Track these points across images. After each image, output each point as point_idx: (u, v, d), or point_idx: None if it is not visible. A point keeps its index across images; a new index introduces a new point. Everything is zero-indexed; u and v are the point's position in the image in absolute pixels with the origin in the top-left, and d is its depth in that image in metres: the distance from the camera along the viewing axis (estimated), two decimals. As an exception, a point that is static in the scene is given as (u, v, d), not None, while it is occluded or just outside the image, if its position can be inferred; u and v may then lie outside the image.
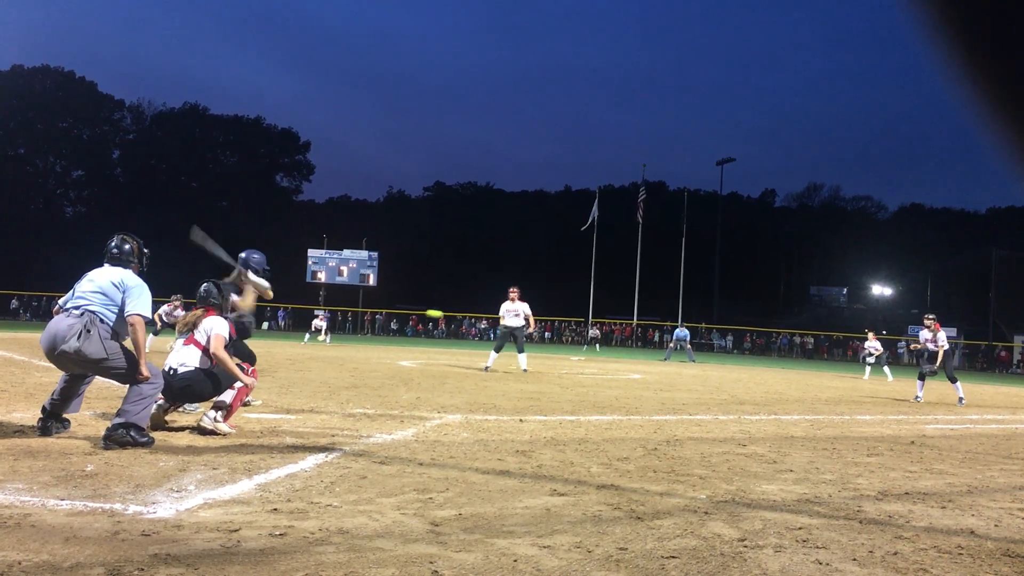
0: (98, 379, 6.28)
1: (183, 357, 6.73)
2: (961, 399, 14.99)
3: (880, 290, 77.28)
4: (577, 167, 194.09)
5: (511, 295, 17.65)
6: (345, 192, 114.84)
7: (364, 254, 63.77)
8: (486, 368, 16.85)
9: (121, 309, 5.97)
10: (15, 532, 3.37)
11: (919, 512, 4.74)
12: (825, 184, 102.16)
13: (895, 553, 3.74)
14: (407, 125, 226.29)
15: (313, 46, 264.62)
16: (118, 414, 5.70)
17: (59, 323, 5.83)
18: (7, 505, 3.81)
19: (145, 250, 6.44)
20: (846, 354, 57.98)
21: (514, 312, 17.49)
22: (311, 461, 5.36)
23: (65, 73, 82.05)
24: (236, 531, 3.55)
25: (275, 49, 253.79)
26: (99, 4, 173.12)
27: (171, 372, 6.62)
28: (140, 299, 6.02)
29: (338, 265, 63.34)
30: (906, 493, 5.36)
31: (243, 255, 8.58)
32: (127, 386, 5.90)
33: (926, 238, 76.51)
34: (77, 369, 5.95)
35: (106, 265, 6.16)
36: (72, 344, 5.70)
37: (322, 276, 62.90)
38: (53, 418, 6.02)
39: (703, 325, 61.61)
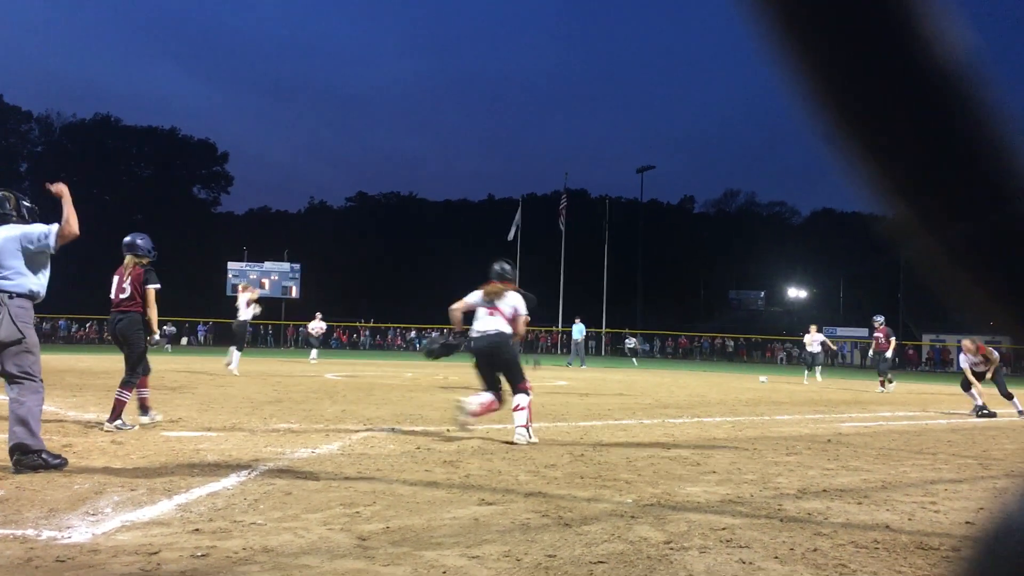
0: None
1: (491, 324, 7.70)
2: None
3: (796, 293, 79.40)
4: (500, 176, 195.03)
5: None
6: (265, 204, 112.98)
7: (286, 266, 62.88)
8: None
9: (31, 259, 5.71)
10: (-81, 564, 3.22)
11: (837, 508, 4.88)
12: (741, 191, 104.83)
13: (815, 550, 3.84)
14: (327, 135, 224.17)
15: (229, 56, 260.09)
16: (15, 440, 5.38)
17: None
18: (-90, 536, 3.64)
19: (24, 201, 6.18)
20: (764, 355, 59.42)
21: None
22: (234, 479, 5.25)
23: (-33, 83, 79.00)
24: (156, 553, 3.45)
25: (190, 59, 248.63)
26: (2, 13, 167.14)
27: (478, 335, 7.69)
28: (41, 229, 5.79)
29: (259, 277, 62.23)
30: (824, 490, 5.51)
31: (127, 239, 8.35)
32: (9, 403, 5.55)
33: (838, 242, 78.90)
34: None
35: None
36: (8, 333, 5.45)
37: (243, 289, 61.69)
38: None
39: (626, 330, 62.38)
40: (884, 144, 0.49)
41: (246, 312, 18.13)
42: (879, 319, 19.80)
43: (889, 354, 19.52)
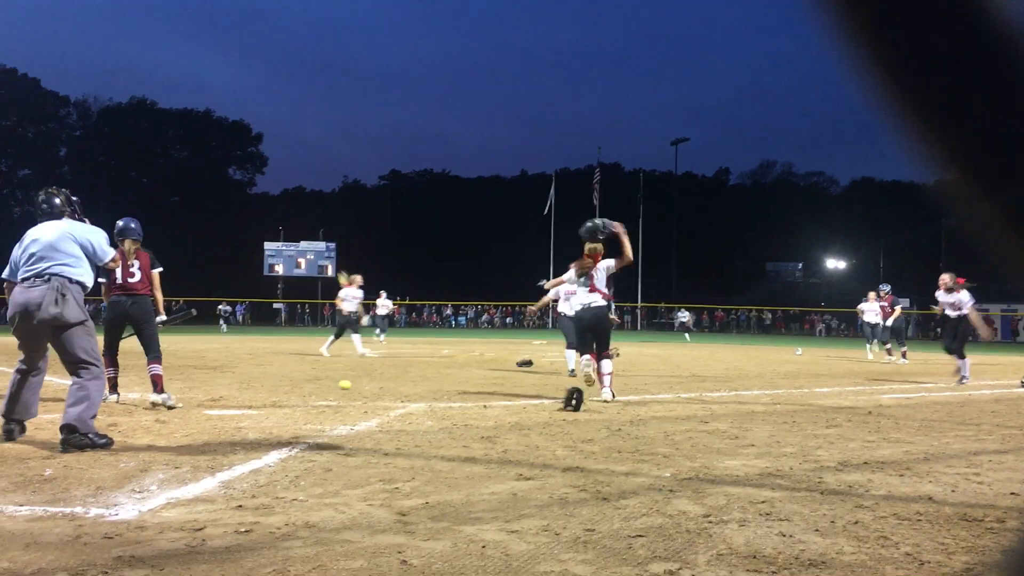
0: (48, 381, 6.19)
1: (591, 298, 8.93)
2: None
3: (834, 264, 78.46)
4: (533, 152, 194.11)
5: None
6: (300, 183, 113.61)
7: (321, 245, 63.36)
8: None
9: (89, 259, 6.10)
10: (-27, 541, 3.31)
11: (878, 481, 4.83)
12: (778, 161, 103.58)
13: (856, 522, 3.81)
14: (360, 114, 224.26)
15: (261, 36, 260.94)
16: (67, 423, 5.57)
17: (27, 293, 5.77)
18: (-36, 514, 3.74)
19: (74, 198, 6.47)
20: (803, 328, 58.89)
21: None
22: (275, 456, 5.32)
23: (7, 70, 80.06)
24: (200, 530, 3.51)
25: (222, 40, 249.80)
26: (39, 0, 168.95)
27: (582, 307, 9.00)
28: (104, 244, 6.28)
29: (295, 257, 62.86)
30: (865, 463, 5.46)
31: (122, 224, 8.51)
32: (71, 386, 5.81)
33: (878, 211, 77.73)
34: (47, 339, 5.90)
35: (45, 223, 6.13)
36: (52, 311, 5.71)
37: (279, 269, 62.41)
38: (13, 422, 5.90)
39: (662, 304, 62.08)
40: (938, 105, 0.48)
41: (351, 304, 17.62)
42: (885, 288, 19.51)
43: (890, 322, 19.21)
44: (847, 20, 0.47)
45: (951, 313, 12.99)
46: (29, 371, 6.03)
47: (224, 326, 43.15)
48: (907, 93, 0.48)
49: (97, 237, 6.25)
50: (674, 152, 64.41)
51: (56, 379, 8.56)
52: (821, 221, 79.67)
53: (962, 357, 12.67)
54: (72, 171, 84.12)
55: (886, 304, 19.26)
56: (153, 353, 8.15)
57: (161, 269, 8.51)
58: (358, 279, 17.87)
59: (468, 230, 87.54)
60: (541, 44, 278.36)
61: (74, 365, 5.84)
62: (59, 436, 5.54)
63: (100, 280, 8.21)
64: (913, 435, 6.87)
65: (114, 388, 8.48)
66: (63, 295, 5.78)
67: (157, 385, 7.96)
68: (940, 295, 13.06)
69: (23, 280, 5.87)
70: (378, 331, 26.48)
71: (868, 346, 20.69)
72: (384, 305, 27.05)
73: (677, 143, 64.02)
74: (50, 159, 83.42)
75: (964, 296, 12.86)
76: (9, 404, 5.95)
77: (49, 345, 6.02)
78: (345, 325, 17.70)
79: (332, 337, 17.85)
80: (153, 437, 6.08)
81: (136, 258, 8.30)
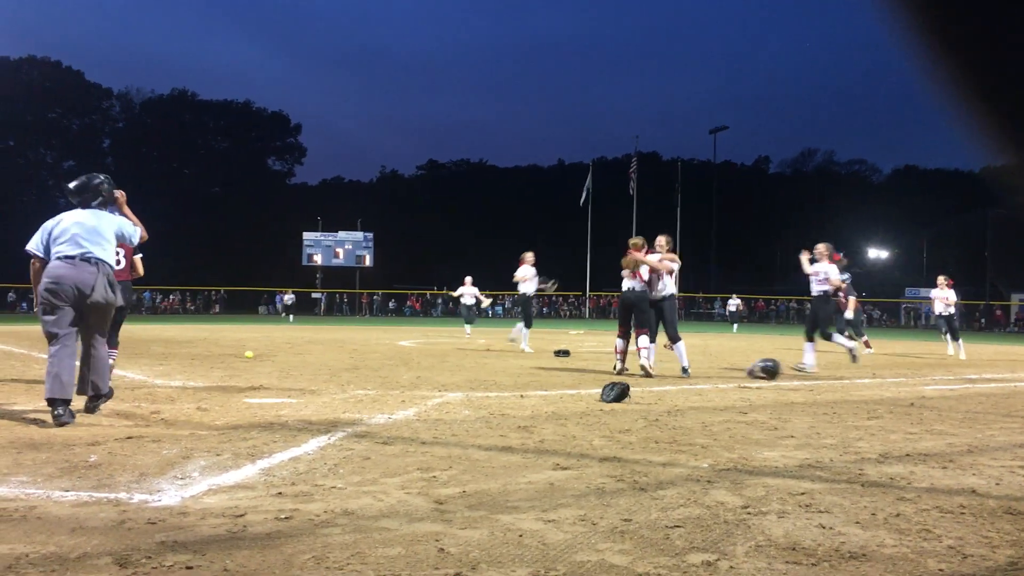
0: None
1: (631, 283, 11.09)
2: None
3: (876, 253, 77.34)
4: (569, 141, 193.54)
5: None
6: (338, 173, 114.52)
7: (359, 235, 63.74)
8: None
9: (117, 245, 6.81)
10: (21, 525, 3.38)
11: (920, 473, 4.76)
12: (819, 149, 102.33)
13: (898, 515, 3.76)
14: (397, 104, 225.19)
15: (299, 27, 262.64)
16: (95, 387, 6.44)
17: (79, 272, 6.25)
18: (12, 498, 3.82)
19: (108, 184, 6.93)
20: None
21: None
22: (314, 444, 5.37)
23: (52, 63, 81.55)
24: (242, 516, 3.56)
25: (261, 32, 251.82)
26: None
27: (627, 290, 11.19)
28: (129, 228, 6.88)
29: (334, 247, 63.30)
30: (907, 455, 5.38)
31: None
32: (92, 357, 6.48)
33: (921, 200, 76.50)
34: (90, 318, 6.41)
35: (91, 209, 6.60)
36: (106, 295, 6.37)
37: (318, 259, 62.91)
38: (65, 405, 6.10)
39: (701, 294, 61.65)
40: (1007, 90, 0.46)
41: (529, 284, 16.29)
42: (846, 277, 18.33)
43: (849, 314, 17.73)
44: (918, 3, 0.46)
45: (816, 289, 12.59)
46: (73, 343, 6.40)
47: (291, 317, 42.74)
48: (974, 76, 0.46)
49: (128, 227, 6.88)
50: (713, 140, 63.70)
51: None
52: (863, 210, 78.56)
53: (809, 340, 12.49)
54: (115, 162, 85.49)
55: (841, 295, 17.18)
56: (114, 337, 8.43)
57: (141, 255, 8.76)
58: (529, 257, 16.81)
59: (505, 220, 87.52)
60: (577, 33, 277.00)
61: (99, 336, 6.53)
62: (103, 422, 5.68)
63: None
64: (956, 427, 6.75)
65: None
66: (111, 283, 6.44)
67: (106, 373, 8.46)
68: (805, 263, 12.77)
69: (65, 257, 6.26)
70: (466, 327, 23.57)
71: (948, 341, 18.49)
72: (469, 294, 23.60)
73: (716, 131, 63.49)
74: (94, 150, 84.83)
75: (832, 271, 12.50)
76: (81, 383, 6.44)
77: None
78: (524, 308, 16.90)
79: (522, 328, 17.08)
80: (195, 425, 6.17)
81: (119, 246, 8.50)
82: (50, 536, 3.22)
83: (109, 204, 6.89)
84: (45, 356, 6.55)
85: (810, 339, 12.53)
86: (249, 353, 10.48)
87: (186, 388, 8.52)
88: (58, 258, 6.26)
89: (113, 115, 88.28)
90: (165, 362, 12.04)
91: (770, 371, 10.77)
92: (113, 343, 8.45)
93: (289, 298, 45.82)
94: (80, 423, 6.07)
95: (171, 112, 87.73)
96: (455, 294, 24.51)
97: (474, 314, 23.82)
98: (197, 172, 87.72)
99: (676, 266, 11.51)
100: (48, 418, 6.10)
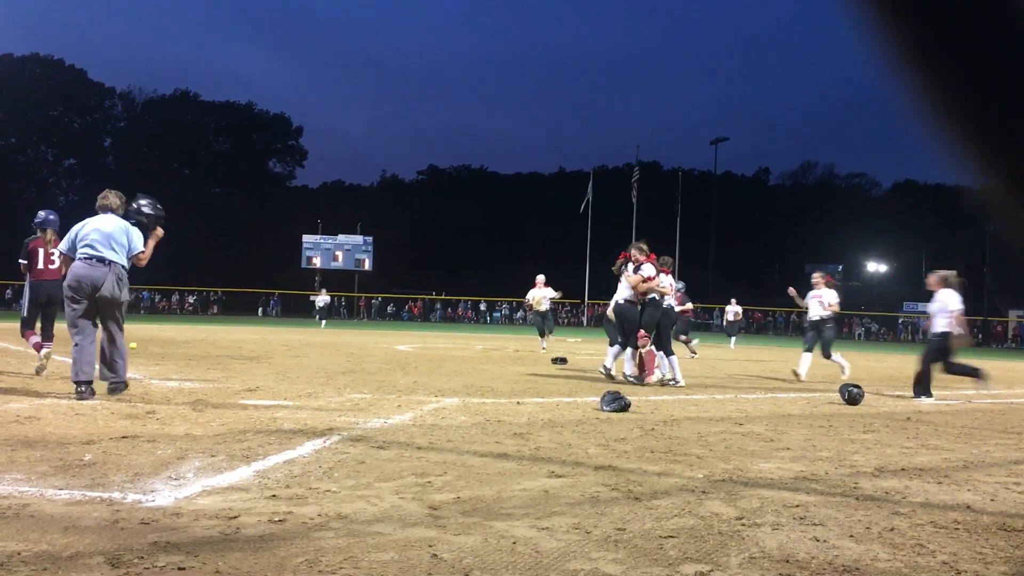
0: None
1: (618, 292, 11.24)
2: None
3: (875, 267, 77.41)
4: (571, 149, 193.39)
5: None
6: (339, 177, 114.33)
7: (359, 239, 63.77)
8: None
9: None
10: (14, 522, 3.37)
11: (915, 488, 4.76)
12: (819, 162, 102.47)
13: (892, 529, 3.76)
14: (399, 109, 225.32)
15: (302, 30, 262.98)
16: (116, 372, 7.48)
17: (92, 271, 7.33)
18: (5, 496, 3.81)
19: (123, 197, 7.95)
20: (842, 331, 58.12)
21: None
22: (309, 447, 5.36)
23: (55, 61, 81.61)
24: (235, 518, 3.55)
25: (265, 34, 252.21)
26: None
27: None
28: (139, 241, 7.71)
29: (333, 250, 63.38)
30: (902, 469, 5.38)
31: (43, 216, 9.73)
32: (111, 345, 7.48)
33: (921, 214, 76.59)
34: (99, 313, 7.46)
35: (108, 216, 7.63)
36: (116, 292, 7.38)
37: (317, 261, 62.96)
38: (88, 384, 7.25)
39: (699, 305, 61.59)
40: (980, 112, 0.46)
41: (544, 302, 17.42)
42: (680, 286, 16.99)
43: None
44: (890, 17, 0.46)
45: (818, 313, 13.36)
46: (92, 332, 7.53)
47: (323, 322, 38.12)
48: (950, 95, 0.46)
49: (136, 234, 7.71)
50: (714, 151, 63.78)
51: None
52: (862, 223, 78.64)
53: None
54: (116, 161, 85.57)
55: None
56: (50, 333, 9.58)
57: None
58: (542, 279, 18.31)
59: (505, 226, 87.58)
60: (581, 42, 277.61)
61: (116, 327, 7.52)
62: (99, 420, 5.71)
63: (21, 261, 9.56)
64: (952, 442, 6.75)
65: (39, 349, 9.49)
66: (119, 280, 7.42)
67: (41, 349, 9.28)
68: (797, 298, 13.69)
69: (85, 258, 7.36)
70: (542, 341, 19.64)
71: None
72: (541, 296, 19.33)
73: (717, 142, 63.59)
74: (95, 149, 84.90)
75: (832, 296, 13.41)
76: (101, 367, 7.44)
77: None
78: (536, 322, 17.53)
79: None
80: (190, 425, 6.16)
81: (56, 247, 9.21)
82: (43, 534, 3.21)
83: (132, 218, 7.86)
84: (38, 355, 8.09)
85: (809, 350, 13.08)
86: (133, 344, 11.17)
87: (182, 389, 8.51)
88: (79, 259, 7.38)
89: (115, 114, 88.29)
90: (161, 362, 12.03)
91: (853, 397, 9.50)
92: (48, 336, 9.40)
93: (323, 300, 40.27)
94: (73, 423, 6.07)
95: (173, 112, 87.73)
96: (528, 299, 19.44)
97: (551, 321, 19.43)
98: (198, 173, 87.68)
99: (661, 288, 11.23)
100: (42, 414, 6.11)
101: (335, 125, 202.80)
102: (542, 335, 18.19)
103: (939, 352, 10.50)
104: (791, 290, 13.18)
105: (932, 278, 10.91)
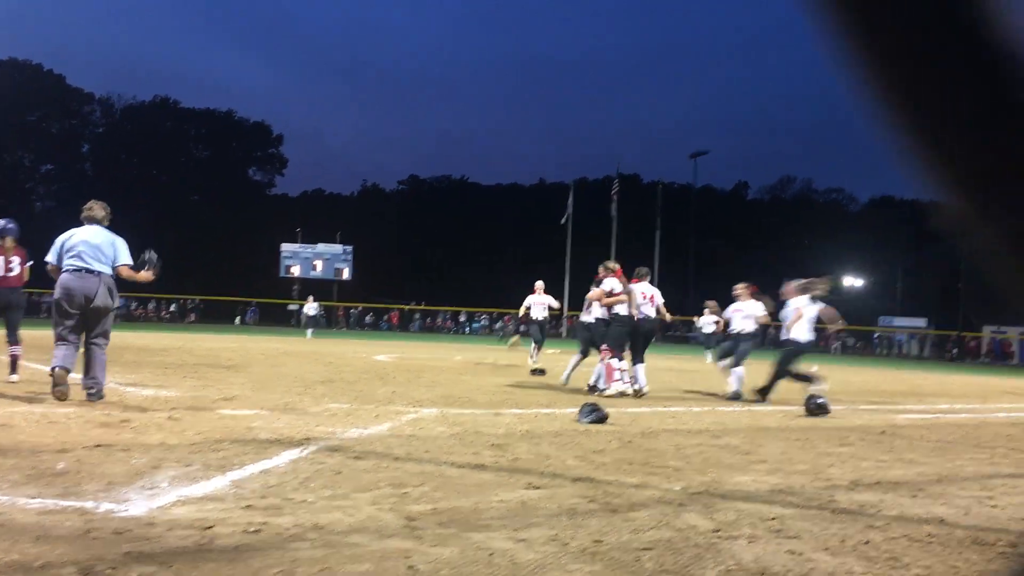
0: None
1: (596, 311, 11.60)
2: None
3: (851, 282, 78.01)
4: (551, 161, 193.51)
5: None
6: (319, 186, 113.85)
7: (338, 248, 63.58)
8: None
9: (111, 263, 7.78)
10: (-16, 532, 3.33)
11: (890, 501, 4.80)
12: (798, 176, 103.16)
13: (867, 542, 3.78)
14: (380, 119, 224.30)
15: (284, 38, 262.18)
16: (94, 378, 7.57)
17: (84, 283, 7.51)
18: (-24, 504, 3.76)
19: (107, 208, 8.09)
20: (818, 345, 58.58)
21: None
22: (285, 457, 5.33)
23: (33, 66, 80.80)
24: (210, 528, 3.52)
25: (245, 41, 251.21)
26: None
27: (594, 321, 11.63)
28: (125, 252, 7.85)
29: (312, 259, 63.12)
30: (877, 482, 5.42)
31: (1, 224, 9.42)
32: (95, 356, 7.69)
33: (897, 230, 77.28)
34: (90, 320, 7.62)
35: (93, 227, 7.80)
36: (108, 302, 7.64)
37: (296, 270, 62.67)
38: (66, 371, 7.42)
39: (678, 317, 61.83)
40: (944, 129, 0.47)
41: (539, 311, 16.89)
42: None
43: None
44: (849, 24, 0.46)
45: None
46: (78, 340, 7.67)
47: (309, 332, 34.34)
48: (908, 109, 0.47)
49: (121, 245, 7.86)
50: (693, 165, 64.11)
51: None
52: (839, 238, 79.29)
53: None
54: (94, 168, 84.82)
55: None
56: (16, 334, 9.41)
57: (32, 262, 9.38)
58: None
59: (485, 237, 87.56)
60: (562, 53, 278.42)
61: (99, 336, 7.74)
62: (72, 428, 5.68)
63: None
64: (927, 456, 6.81)
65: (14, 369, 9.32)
66: (110, 289, 7.65)
67: (15, 365, 9.17)
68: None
69: (73, 269, 7.52)
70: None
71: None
72: (541, 304, 17.23)
73: (696, 156, 63.88)
74: (73, 155, 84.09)
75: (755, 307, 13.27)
76: (84, 376, 7.61)
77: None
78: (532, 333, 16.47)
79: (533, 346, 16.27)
80: (165, 434, 6.11)
81: (15, 254, 9.21)
82: (14, 544, 3.17)
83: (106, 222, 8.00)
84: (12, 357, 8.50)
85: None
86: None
87: (158, 397, 8.43)
88: (67, 270, 7.54)
89: (94, 120, 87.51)
90: (137, 370, 11.92)
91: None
92: (14, 339, 9.32)
93: (312, 307, 35.49)
94: (46, 432, 6.00)
95: (152, 119, 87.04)
96: (524, 308, 17.67)
97: (547, 331, 17.82)
98: (176, 180, 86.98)
99: (619, 298, 11.34)
100: (15, 422, 6.04)
101: (316, 134, 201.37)
102: (539, 346, 16.48)
103: (790, 358, 11.75)
104: (710, 303, 13.35)
105: (789, 287, 12.08)
